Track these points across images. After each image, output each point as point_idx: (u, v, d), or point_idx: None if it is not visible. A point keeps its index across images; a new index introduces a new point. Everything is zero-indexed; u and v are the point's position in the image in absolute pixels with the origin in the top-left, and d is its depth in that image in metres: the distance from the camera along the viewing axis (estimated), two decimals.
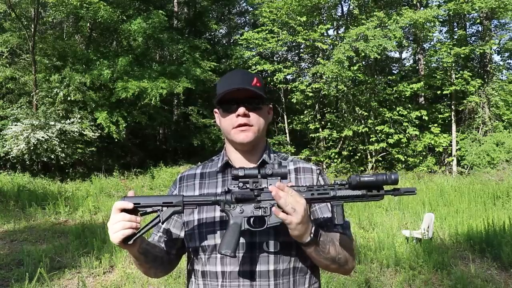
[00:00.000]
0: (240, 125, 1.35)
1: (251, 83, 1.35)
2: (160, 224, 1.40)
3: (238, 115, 1.35)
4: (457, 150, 16.94)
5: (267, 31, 17.59)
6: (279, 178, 1.22)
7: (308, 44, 17.89)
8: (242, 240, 1.29)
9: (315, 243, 1.23)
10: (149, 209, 1.23)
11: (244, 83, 1.35)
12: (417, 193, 10.09)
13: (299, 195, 1.19)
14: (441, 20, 17.66)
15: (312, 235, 1.21)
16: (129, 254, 1.33)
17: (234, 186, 1.24)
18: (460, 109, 17.71)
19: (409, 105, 17.24)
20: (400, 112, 16.57)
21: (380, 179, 1.19)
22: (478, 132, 17.08)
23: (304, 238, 1.21)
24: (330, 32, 19.85)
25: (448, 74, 17.37)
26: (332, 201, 1.23)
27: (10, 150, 13.53)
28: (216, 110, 1.45)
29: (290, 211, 1.15)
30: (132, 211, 1.21)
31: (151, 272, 1.40)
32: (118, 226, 1.18)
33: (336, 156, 17.42)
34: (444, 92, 16.85)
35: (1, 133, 14.11)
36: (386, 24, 15.80)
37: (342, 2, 19.47)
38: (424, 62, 18.17)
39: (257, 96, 1.36)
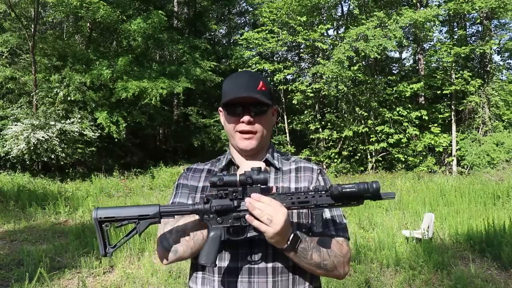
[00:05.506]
0: (243, 132, 1.37)
1: (257, 87, 1.36)
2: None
3: (243, 122, 1.36)
4: (457, 150, 16.93)
5: (267, 31, 17.58)
6: (259, 185, 1.21)
7: (308, 44, 17.88)
8: None
9: (293, 250, 1.23)
10: (125, 222, 1.22)
11: (250, 89, 1.34)
12: (417, 193, 10.12)
13: (279, 204, 1.18)
14: (441, 20, 17.64)
15: (289, 242, 1.21)
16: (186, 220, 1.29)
17: (213, 194, 1.23)
18: (460, 109, 17.70)
19: (409, 105, 17.23)
20: (400, 112, 16.56)
21: (362, 189, 1.19)
22: (478, 132, 17.07)
23: (280, 245, 1.22)
24: (330, 32, 19.88)
25: (448, 74, 17.37)
26: (312, 209, 1.23)
27: (10, 150, 13.52)
28: (221, 109, 1.45)
29: (267, 222, 1.16)
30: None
31: (188, 251, 1.30)
32: None
33: (336, 156, 17.41)
34: (444, 92, 16.85)
35: (1, 133, 14.11)
36: (386, 24, 15.79)
37: (342, 2, 19.50)
38: (424, 62, 18.16)
39: (262, 102, 1.37)
